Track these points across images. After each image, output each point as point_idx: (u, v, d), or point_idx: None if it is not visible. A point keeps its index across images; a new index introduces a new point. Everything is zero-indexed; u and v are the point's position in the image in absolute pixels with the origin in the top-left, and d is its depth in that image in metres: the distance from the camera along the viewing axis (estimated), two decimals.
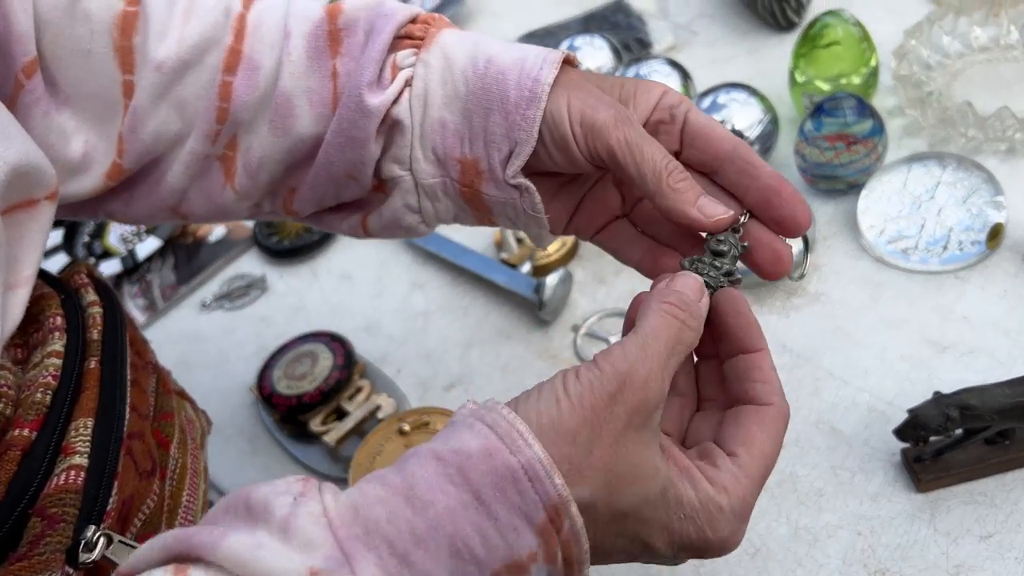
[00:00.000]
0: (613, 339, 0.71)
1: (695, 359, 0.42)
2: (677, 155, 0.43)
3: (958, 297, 0.66)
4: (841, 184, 0.73)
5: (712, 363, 0.42)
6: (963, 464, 0.56)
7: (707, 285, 0.40)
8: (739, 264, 0.42)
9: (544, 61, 0.42)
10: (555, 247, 0.76)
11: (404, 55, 0.44)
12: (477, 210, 0.46)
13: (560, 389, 0.34)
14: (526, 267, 0.76)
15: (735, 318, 0.39)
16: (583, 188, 0.47)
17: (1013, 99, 0.76)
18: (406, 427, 0.63)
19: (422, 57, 0.44)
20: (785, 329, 0.68)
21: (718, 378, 0.40)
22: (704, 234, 0.42)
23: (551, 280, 0.72)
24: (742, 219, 0.42)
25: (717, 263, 0.41)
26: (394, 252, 0.82)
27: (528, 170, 0.43)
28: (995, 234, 0.67)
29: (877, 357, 0.65)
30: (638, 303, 0.39)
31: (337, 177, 0.46)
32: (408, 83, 0.44)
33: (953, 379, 0.62)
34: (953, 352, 0.64)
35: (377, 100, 0.43)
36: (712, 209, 0.41)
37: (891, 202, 0.72)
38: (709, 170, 0.43)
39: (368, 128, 0.44)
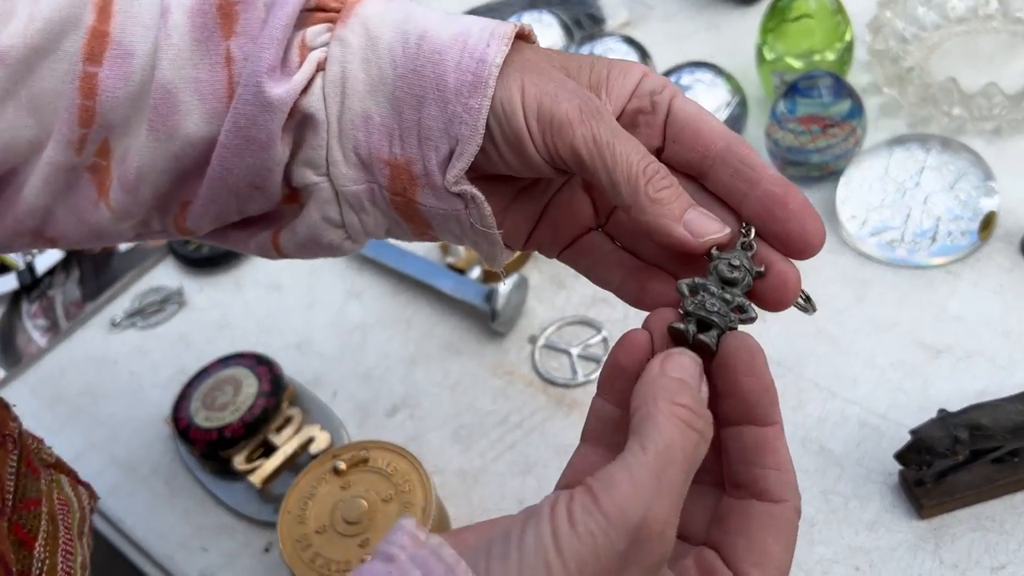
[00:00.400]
0: (575, 351, 0.64)
1: None
2: (659, 153, 0.35)
3: (950, 294, 0.60)
4: (817, 171, 0.67)
5: None
6: (969, 486, 0.50)
7: (712, 324, 0.32)
8: None
9: (491, 36, 0.34)
10: None
11: (315, 32, 0.36)
12: (413, 223, 0.38)
13: (551, 549, 0.25)
14: (476, 272, 0.68)
15: (749, 378, 0.31)
16: (546, 195, 0.39)
17: (994, 73, 0.70)
18: (341, 465, 0.55)
19: (338, 34, 0.36)
20: (761, 333, 0.60)
21: (714, 445, 0.32)
22: (713, 250, 0.33)
23: (504, 287, 0.65)
24: (748, 235, 0.33)
25: (727, 294, 0.32)
26: (327, 259, 0.74)
27: (475, 173, 0.35)
28: (987, 223, 0.61)
29: (866, 364, 0.59)
30: (630, 355, 0.32)
31: (237, 187, 0.37)
32: (321, 67, 0.36)
33: (950, 388, 0.56)
34: (949, 357, 0.58)
35: (281, 90, 0.35)
36: (703, 226, 0.33)
37: (872, 190, 0.65)
38: (697, 172, 0.35)
39: (271, 126, 0.35)
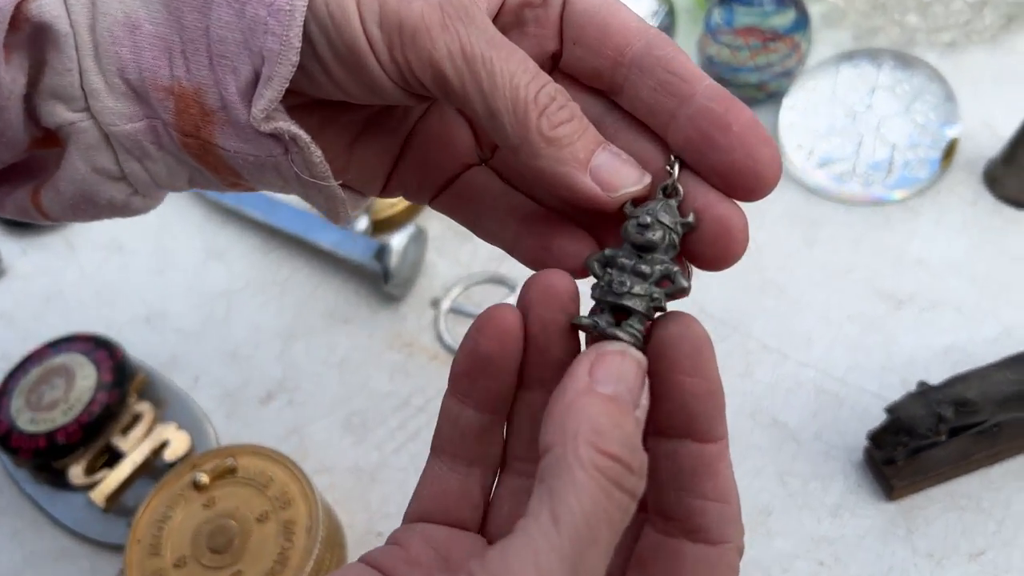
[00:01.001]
0: None
1: None
2: (555, 61, 0.26)
3: (910, 234, 0.53)
4: (756, 91, 0.58)
5: None
6: (945, 462, 0.44)
7: (630, 312, 0.24)
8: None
9: None
10: None
11: None
12: (218, 172, 0.28)
13: None
14: (363, 223, 0.57)
15: (691, 379, 0.23)
16: (407, 121, 0.29)
17: None
18: (203, 478, 0.44)
19: None
20: (701, 286, 0.52)
21: None
22: (627, 206, 0.25)
23: (398, 240, 0.54)
24: (673, 172, 0.25)
25: (645, 264, 0.24)
26: (180, 208, 0.61)
27: (298, 100, 0.26)
28: (950, 151, 0.54)
29: (820, 319, 0.51)
30: (496, 342, 0.24)
31: None
32: None
33: (915, 343, 0.49)
34: (911, 307, 0.51)
35: None
36: (615, 175, 0.24)
37: (819, 115, 0.57)
38: (607, 85, 0.25)
39: None
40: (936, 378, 0.47)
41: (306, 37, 0.24)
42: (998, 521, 0.44)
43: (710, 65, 0.58)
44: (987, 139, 0.55)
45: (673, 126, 0.24)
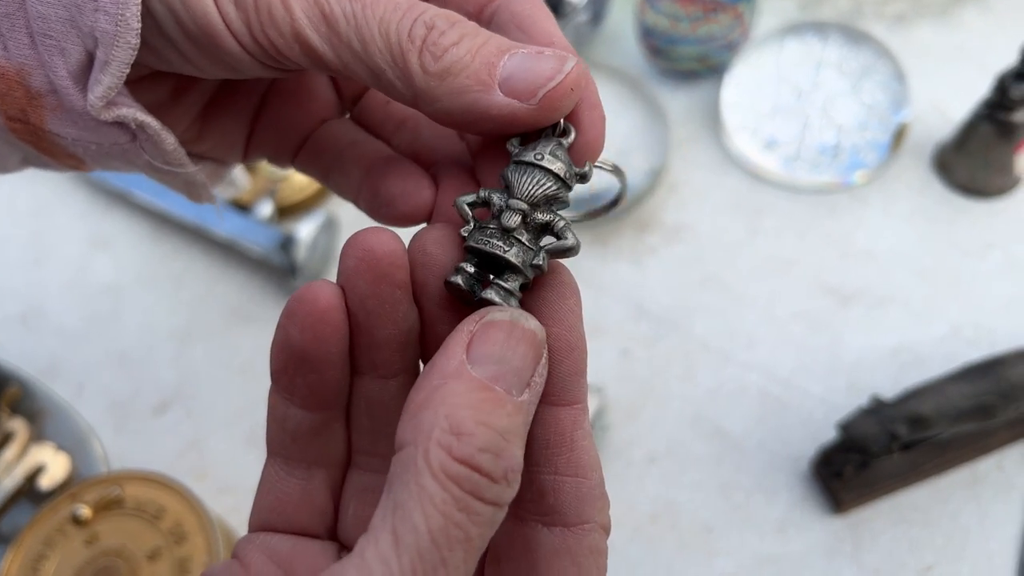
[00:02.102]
0: None
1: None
2: None
3: (857, 224, 0.50)
4: (696, 64, 0.54)
5: None
6: (893, 475, 0.41)
7: (507, 267, 0.20)
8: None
9: None
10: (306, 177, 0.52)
11: None
12: (55, 157, 0.24)
13: None
14: (266, 208, 0.51)
15: (552, 327, 0.20)
16: (261, 82, 0.26)
17: None
18: (84, 511, 0.39)
19: None
20: (639, 282, 0.49)
21: None
22: (508, 143, 0.21)
23: (305, 229, 0.49)
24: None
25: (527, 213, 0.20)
26: (59, 190, 0.54)
27: (141, 72, 0.22)
28: (900, 135, 0.51)
29: (764, 316, 0.48)
30: (310, 331, 0.20)
31: None
32: None
33: (862, 344, 0.47)
34: (859, 304, 0.48)
35: None
36: (532, 75, 0.20)
37: (763, 92, 0.53)
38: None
39: None
40: (885, 380, 0.45)
41: (148, 13, 0.20)
42: (946, 534, 0.42)
43: (648, 35, 0.53)
44: (937, 122, 0.52)
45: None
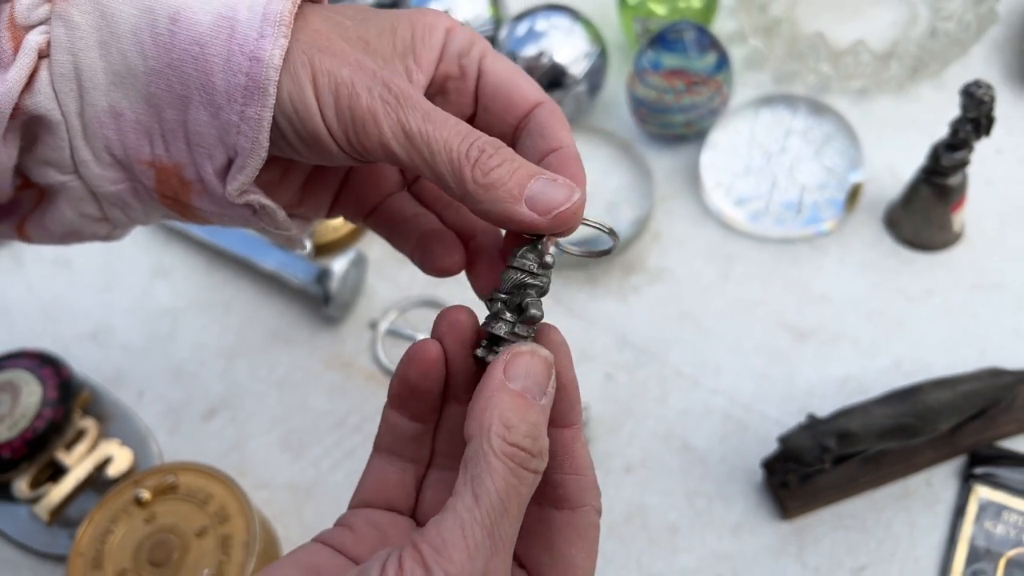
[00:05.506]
0: (421, 336, 0.57)
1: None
2: (472, 120, 0.32)
3: (816, 271, 0.57)
4: (682, 129, 0.62)
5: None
6: (833, 486, 0.48)
7: (495, 336, 0.29)
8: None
9: (264, 21, 0.27)
10: (341, 219, 0.60)
11: (27, 5, 0.27)
12: (192, 219, 0.33)
13: None
14: (306, 247, 0.59)
15: (560, 377, 0.28)
16: (345, 166, 0.36)
17: (862, 25, 0.67)
18: (144, 494, 0.47)
19: (59, 9, 0.27)
20: (624, 317, 0.56)
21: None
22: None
23: (339, 265, 0.57)
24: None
25: (515, 298, 0.29)
26: None
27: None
28: (854, 194, 0.58)
29: (731, 349, 0.55)
30: (420, 372, 0.29)
31: None
32: (43, 54, 0.28)
33: (814, 375, 0.53)
34: (813, 340, 0.55)
35: None
36: (548, 198, 0.28)
37: (738, 155, 0.61)
38: (511, 143, 0.31)
39: None
40: (832, 406, 0.51)
41: (274, 125, 0.28)
42: (879, 540, 0.48)
43: (638, 105, 0.61)
44: (889, 183, 0.59)
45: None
